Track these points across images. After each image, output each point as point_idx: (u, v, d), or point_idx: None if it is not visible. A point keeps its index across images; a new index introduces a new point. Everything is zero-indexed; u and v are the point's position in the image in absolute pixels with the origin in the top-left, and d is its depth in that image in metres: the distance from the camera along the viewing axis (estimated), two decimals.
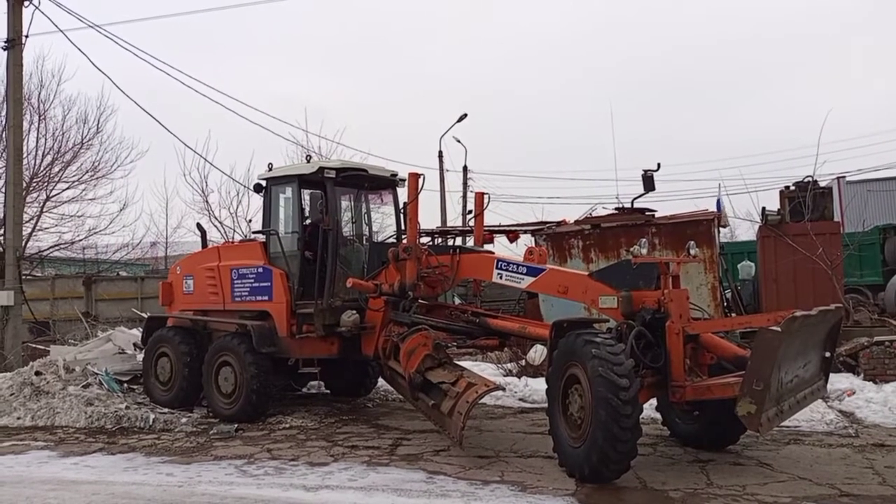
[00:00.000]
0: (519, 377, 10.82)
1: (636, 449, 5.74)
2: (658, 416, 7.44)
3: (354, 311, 8.57)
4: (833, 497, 5.40)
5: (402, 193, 9.22)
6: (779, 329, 5.27)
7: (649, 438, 7.12)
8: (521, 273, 7.41)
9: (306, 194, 9.11)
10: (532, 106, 75.67)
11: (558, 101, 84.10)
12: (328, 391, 10.87)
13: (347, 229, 9.81)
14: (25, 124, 17.13)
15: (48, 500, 5.89)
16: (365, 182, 9.54)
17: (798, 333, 5.60)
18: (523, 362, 11.42)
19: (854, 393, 8.93)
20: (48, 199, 22.21)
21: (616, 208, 13.71)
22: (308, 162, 9.78)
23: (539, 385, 9.56)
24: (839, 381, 9.10)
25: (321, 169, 8.88)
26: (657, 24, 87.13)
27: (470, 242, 14.19)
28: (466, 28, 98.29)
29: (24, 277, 14.12)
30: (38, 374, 10.22)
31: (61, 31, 13.83)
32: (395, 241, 9.46)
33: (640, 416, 5.75)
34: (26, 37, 13.36)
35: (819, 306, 6.07)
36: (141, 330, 11.20)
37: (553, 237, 13.07)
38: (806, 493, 5.50)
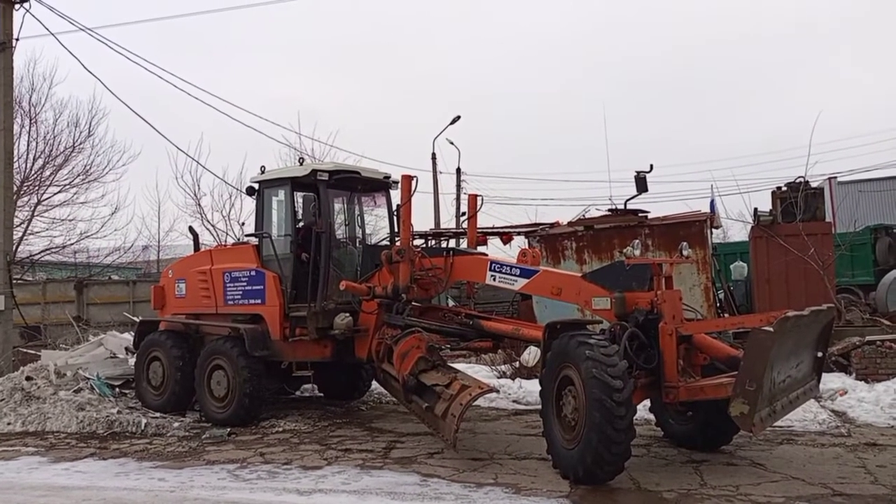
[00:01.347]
0: (513, 379, 10.82)
1: (630, 450, 5.74)
2: (651, 416, 7.44)
3: (348, 314, 8.55)
4: (826, 496, 5.41)
5: (396, 196, 9.21)
6: (771, 329, 5.28)
7: (643, 439, 7.12)
8: (515, 275, 7.42)
9: (299, 197, 9.09)
10: (529, 107, 76.02)
11: (555, 102, 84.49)
12: (321, 394, 10.83)
13: (340, 232, 9.79)
14: (16, 128, 16.99)
15: None
16: (358, 184, 9.52)
17: (790, 333, 5.61)
18: (517, 364, 11.42)
19: (846, 392, 8.97)
20: (39, 202, 22.15)
21: (609, 210, 13.75)
22: (301, 164, 9.75)
23: (533, 387, 9.55)
24: (831, 381, 9.13)
25: (314, 171, 8.86)
26: (656, 25, 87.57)
27: (463, 244, 14.21)
28: (465, 29, 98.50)
29: (14, 281, 14.00)
30: (28, 378, 10.14)
31: (52, 34, 13.76)
32: (388, 243, 9.44)
33: (634, 417, 5.75)
34: (17, 40, 13.27)
35: (811, 306, 6.10)
36: (133, 334, 11.14)
37: (546, 239, 13.09)
38: (799, 492, 5.51)
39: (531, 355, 11.17)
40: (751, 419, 5.32)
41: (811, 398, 6.82)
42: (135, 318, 13.51)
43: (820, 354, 6.54)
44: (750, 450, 6.86)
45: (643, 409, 7.24)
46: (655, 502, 5.44)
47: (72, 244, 23.13)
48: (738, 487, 5.68)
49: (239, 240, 15.39)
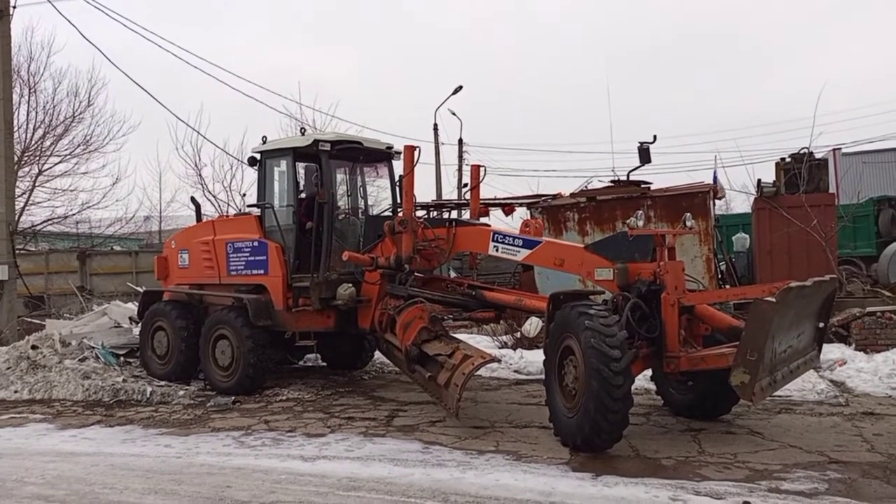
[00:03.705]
0: (514, 349, 10.89)
1: (628, 419, 5.81)
2: (651, 385, 7.51)
3: (350, 285, 8.57)
4: (822, 464, 5.48)
5: (398, 166, 9.17)
6: (774, 300, 5.30)
7: (642, 408, 7.20)
8: (518, 245, 7.42)
9: (301, 167, 9.04)
10: (531, 78, 75.18)
11: (558, 72, 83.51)
12: (324, 364, 10.92)
13: (343, 202, 9.77)
14: (15, 97, 16.90)
15: (47, 471, 5.94)
16: (360, 155, 9.47)
17: (792, 304, 5.63)
18: (518, 334, 11.49)
19: (845, 363, 9.03)
20: (40, 172, 22.11)
21: (612, 181, 13.70)
22: (302, 135, 9.70)
23: (534, 357, 9.64)
24: (831, 352, 9.18)
25: (316, 142, 8.81)
26: None
27: (466, 215, 14.20)
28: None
29: (17, 252, 14.04)
30: (34, 347, 10.24)
31: (49, 1, 13.61)
32: (390, 214, 9.43)
33: (634, 387, 5.79)
34: (14, 7, 13.12)
35: (813, 277, 6.10)
36: (136, 304, 11.20)
37: (549, 210, 13.06)
38: (796, 460, 5.58)
39: (532, 326, 11.23)
40: (751, 388, 5.36)
41: (811, 368, 6.87)
42: (138, 289, 13.58)
43: (821, 325, 6.57)
44: (748, 419, 6.93)
45: (643, 379, 7.30)
46: (654, 469, 5.51)
47: (73, 214, 23.18)
48: (735, 455, 5.75)
49: (241, 210, 15.39)
